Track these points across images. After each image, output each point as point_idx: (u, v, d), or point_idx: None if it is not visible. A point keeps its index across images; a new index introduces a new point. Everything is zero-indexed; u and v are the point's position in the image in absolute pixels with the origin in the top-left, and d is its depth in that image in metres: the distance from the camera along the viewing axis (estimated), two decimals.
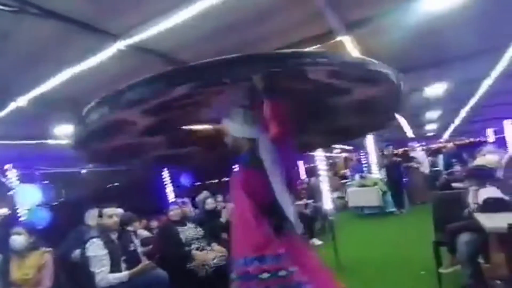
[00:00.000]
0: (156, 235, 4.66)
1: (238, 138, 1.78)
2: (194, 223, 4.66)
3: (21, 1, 1.78)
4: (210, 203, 5.34)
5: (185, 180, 8.19)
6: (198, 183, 10.80)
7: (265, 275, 1.55)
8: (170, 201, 7.01)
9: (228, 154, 1.88)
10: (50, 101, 2.95)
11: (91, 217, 4.04)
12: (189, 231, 4.49)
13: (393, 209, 8.16)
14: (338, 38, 2.99)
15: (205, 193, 5.25)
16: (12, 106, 2.86)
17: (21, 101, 2.79)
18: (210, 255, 4.10)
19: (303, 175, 14.53)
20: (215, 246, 4.44)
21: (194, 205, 6.20)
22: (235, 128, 1.78)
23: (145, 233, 4.88)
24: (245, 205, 1.65)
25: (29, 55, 2.27)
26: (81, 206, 4.27)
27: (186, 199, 6.22)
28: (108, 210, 3.51)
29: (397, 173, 8.60)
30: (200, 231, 4.58)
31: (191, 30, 2.34)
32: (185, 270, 3.81)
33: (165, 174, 7.08)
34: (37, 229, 4.81)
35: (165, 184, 7.05)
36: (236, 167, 1.84)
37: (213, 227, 4.82)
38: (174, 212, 4.48)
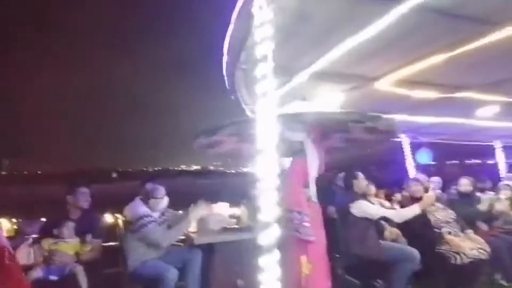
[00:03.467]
0: None
1: None
2: (443, 204, 4.30)
3: None
4: (464, 185, 4.73)
5: (425, 157, 7.44)
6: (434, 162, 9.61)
7: None
8: (410, 177, 6.58)
9: None
10: (322, 74, 3.24)
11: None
12: (438, 212, 4.17)
13: None
14: None
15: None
16: (294, 81, 3.33)
17: (302, 77, 3.20)
18: (467, 243, 3.69)
19: None
20: (470, 233, 3.95)
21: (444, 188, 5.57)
22: None
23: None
24: None
25: (319, 34, 2.51)
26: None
27: (436, 178, 5.62)
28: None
29: None
30: (451, 214, 4.17)
31: None
32: (434, 252, 3.60)
33: (406, 148, 6.61)
34: None
35: (405, 159, 6.63)
36: None
37: (468, 212, 4.27)
38: (415, 188, 4.18)
